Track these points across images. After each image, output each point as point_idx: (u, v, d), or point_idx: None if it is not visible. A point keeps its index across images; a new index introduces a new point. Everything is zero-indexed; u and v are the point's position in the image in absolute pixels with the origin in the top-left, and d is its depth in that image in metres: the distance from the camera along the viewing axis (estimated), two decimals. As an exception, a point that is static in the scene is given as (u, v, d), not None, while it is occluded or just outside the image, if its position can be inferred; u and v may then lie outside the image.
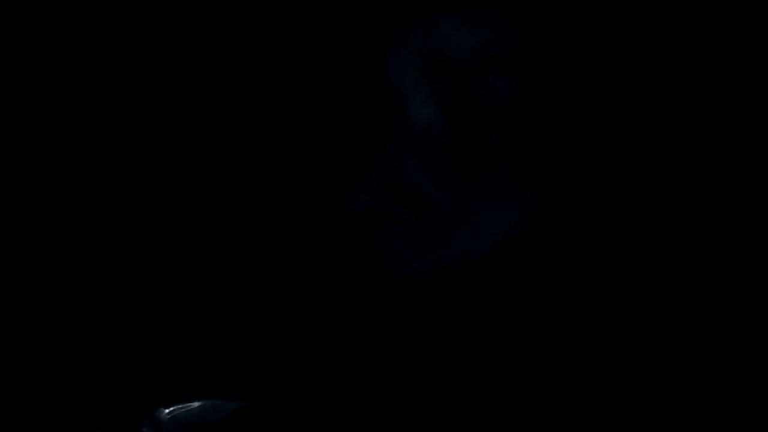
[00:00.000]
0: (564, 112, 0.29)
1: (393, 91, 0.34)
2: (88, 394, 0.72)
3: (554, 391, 0.34)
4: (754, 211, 0.32)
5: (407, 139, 0.32)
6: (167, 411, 0.49)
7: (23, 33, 0.73)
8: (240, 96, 0.75)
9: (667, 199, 0.31)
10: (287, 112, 0.74)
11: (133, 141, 0.75)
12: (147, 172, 0.75)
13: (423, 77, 0.32)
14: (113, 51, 0.74)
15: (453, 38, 0.31)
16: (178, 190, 0.76)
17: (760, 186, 0.31)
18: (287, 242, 0.74)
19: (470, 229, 0.31)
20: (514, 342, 0.35)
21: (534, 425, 0.36)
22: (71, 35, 0.74)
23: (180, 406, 0.49)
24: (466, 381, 0.38)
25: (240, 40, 0.74)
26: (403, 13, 0.34)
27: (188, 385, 0.75)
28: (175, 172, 0.75)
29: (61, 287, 0.73)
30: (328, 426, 0.45)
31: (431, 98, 0.32)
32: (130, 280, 0.75)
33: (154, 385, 0.74)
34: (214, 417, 0.49)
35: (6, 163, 0.73)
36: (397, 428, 0.39)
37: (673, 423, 0.33)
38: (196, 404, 0.50)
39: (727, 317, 0.33)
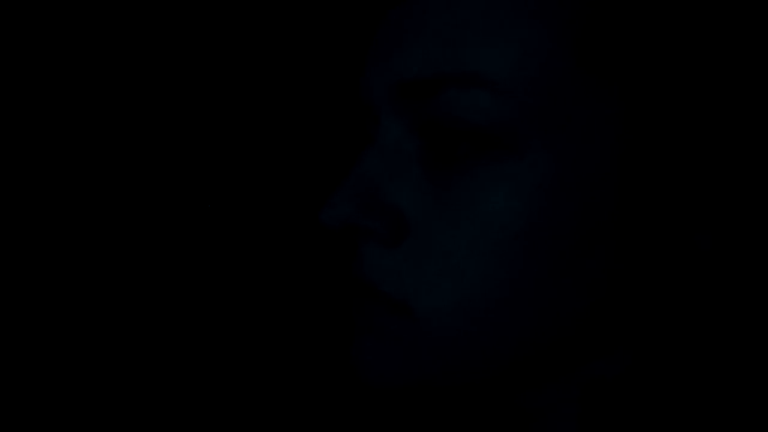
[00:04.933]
0: (523, 121, 0.30)
1: (366, 108, 0.36)
2: (89, 394, 0.73)
3: None
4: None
5: (379, 156, 0.34)
6: None
7: (23, 33, 0.73)
8: (221, 110, 0.75)
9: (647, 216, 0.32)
10: (270, 128, 0.75)
11: (133, 141, 0.75)
12: (146, 174, 0.75)
13: (391, 95, 0.33)
14: (113, 51, 0.74)
15: (416, 56, 0.32)
16: (165, 200, 0.76)
17: None
18: (273, 257, 0.74)
19: (445, 242, 0.31)
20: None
21: None
22: (71, 35, 0.74)
23: None
24: None
25: (222, 56, 0.74)
26: (374, 32, 0.36)
27: (187, 384, 0.75)
28: (170, 179, 0.75)
29: (62, 287, 0.74)
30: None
31: (399, 115, 0.33)
32: (130, 281, 0.75)
33: (154, 384, 0.74)
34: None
35: (6, 163, 0.73)
36: None
37: None
38: None
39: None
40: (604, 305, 0.32)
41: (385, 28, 0.34)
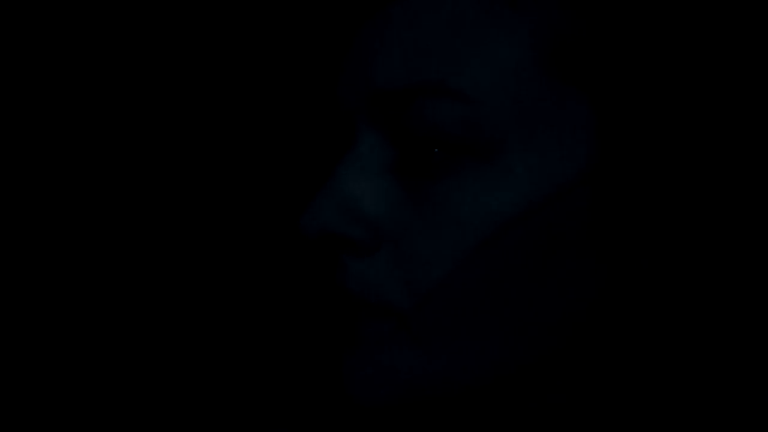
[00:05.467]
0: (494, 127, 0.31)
1: (344, 117, 0.36)
2: (89, 394, 0.73)
3: None
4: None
5: (356, 165, 0.34)
6: None
7: (23, 33, 0.73)
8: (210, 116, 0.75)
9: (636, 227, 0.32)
10: (260, 135, 0.75)
11: (133, 141, 0.75)
12: (146, 173, 0.75)
13: (366, 105, 0.34)
14: (113, 51, 0.74)
15: (388, 68, 0.33)
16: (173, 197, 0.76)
17: None
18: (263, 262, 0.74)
19: (424, 247, 0.32)
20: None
21: None
22: (71, 35, 0.74)
23: None
24: None
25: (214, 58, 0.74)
26: (349, 40, 0.36)
27: (187, 384, 0.75)
28: (173, 177, 0.76)
29: (62, 288, 0.74)
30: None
31: (375, 125, 0.34)
32: (130, 280, 0.75)
33: (154, 384, 0.74)
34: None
35: (6, 163, 0.73)
36: None
37: None
38: None
39: None
40: (584, 306, 0.33)
41: (359, 40, 0.35)
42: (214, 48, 0.75)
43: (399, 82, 0.32)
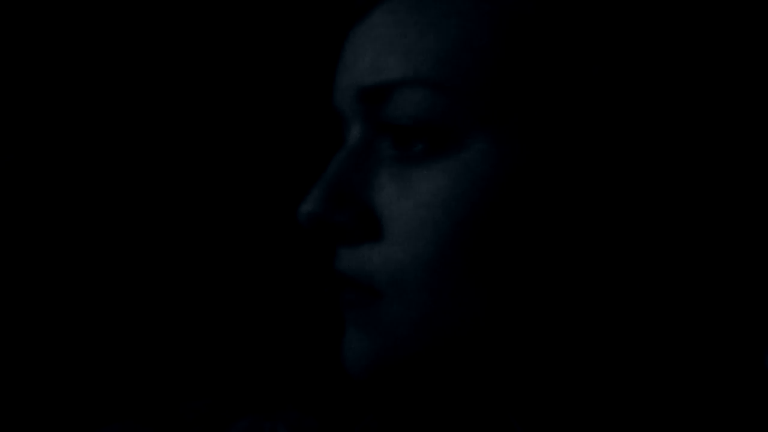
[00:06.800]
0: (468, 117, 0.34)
1: (338, 115, 0.40)
2: (89, 393, 0.73)
3: None
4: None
5: (348, 158, 0.37)
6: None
7: (23, 33, 0.73)
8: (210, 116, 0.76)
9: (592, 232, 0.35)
10: (261, 135, 0.75)
11: (132, 144, 0.75)
12: (146, 176, 0.75)
13: (354, 101, 0.37)
14: (113, 51, 0.74)
15: (369, 66, 0.36)
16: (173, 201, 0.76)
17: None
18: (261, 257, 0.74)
19: (406, 229, 0.35)
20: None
21: None
22: (71, 35, 0.74)
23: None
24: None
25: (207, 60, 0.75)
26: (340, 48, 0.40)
27: (185, 383, 0.75)
28: (173, 180, 0.76)
29: (62, 288, 0.74)
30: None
31: (363, 119, 0.37)
32: (130, 283, 0.75)
33: (153, 384, 0.74)
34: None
35: (6, 163, 0.73)
36: None
37: None
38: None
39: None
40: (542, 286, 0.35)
41: (348, 44, 0.39)
42: (214, 49, 0.75)
43: (379, 77, 0.35)
